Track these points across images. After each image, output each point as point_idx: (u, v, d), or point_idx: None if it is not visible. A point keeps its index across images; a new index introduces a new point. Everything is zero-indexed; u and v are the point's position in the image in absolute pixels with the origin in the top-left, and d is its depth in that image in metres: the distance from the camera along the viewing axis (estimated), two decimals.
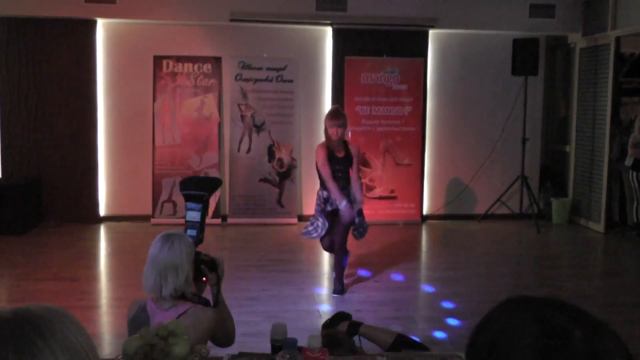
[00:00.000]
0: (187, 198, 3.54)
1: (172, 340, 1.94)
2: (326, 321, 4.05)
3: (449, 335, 5.06)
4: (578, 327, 0.94)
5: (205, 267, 3.05)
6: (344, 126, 5.96)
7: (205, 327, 2.82)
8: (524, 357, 0.93)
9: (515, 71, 9.01)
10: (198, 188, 3.60)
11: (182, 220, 3.63)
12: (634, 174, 8.30)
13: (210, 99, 8.97)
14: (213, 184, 3.82)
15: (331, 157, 5.98)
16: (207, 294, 3.09)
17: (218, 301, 3.08)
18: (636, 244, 8.26)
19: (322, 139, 9.14)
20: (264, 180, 9.06)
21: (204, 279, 3.06)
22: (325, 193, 6.01)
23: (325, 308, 5.61)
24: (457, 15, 9.03)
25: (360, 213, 6.12)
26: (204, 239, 3.44)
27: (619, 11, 8.39)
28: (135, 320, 2.85)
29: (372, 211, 9.16)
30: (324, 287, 6.30)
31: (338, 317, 4.01)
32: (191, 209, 3.51)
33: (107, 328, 5.11)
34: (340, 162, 6.01)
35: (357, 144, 9.08)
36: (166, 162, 8.91)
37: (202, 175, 8.85)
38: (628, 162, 8.39)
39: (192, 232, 3.44)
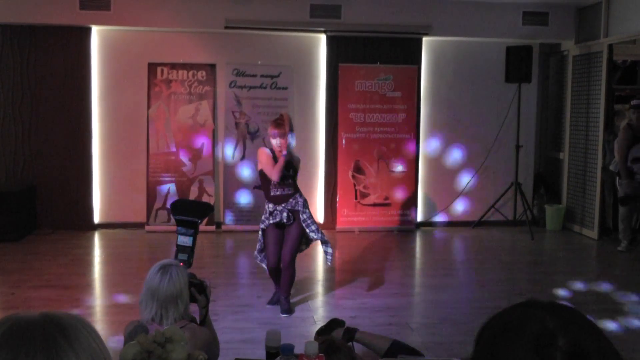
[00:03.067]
0: (180, 223, 3.63)
1: (169, 346, 1.95)
2: (320, 327, 4.06)
3: (444, 341, 5.07)
4: (564, 335, 0.97)
5: (194, 290, 3.13)
6: (286, 136, 5.51)
7: (203, 342, 2.91)
8: (517, 354, 0.97)
9: (508, 78, 9.06)
10: (190, 214, 3.69)
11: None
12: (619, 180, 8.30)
13: (205, 106, 8.98)
14: (205, 209, 3.92)
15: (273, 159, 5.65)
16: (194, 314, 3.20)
17: (205, 321, 3.18)
18: (630, 250, 8.26)
19: (316, 145, 9.21)
20: (259, 187, 9.03)
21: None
22: (270, 206, 5.61)
23: (320, 315, 5.61)
24: (450, 23, 9.06)
25: (313, 222, 5.64)
26: (193, 262, 3.55)
27: (612, 19, 8.44)
28: (134, 335, 2.87)
29: (366, 218, 9.18)
30: (318, 294, 6.31)
31: (332, 324, 4.02)
32: (183, 234, 3.60)
33: (102, 335, 5.10)
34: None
35: (351, 150, 9.11)
36: (160, 169, 8.91)
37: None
38: (614, 167, 8.39)
39: (183, 257, 3.54)
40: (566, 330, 0.97)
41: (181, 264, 3.09)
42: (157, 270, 2.95)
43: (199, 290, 3.15)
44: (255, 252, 5.79)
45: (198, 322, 3.17)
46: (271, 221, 5.57)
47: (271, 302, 5.83)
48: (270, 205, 5.61)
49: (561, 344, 0.95)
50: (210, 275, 6.71)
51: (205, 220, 8.79)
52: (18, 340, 0.96)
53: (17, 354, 0.94)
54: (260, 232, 5.72)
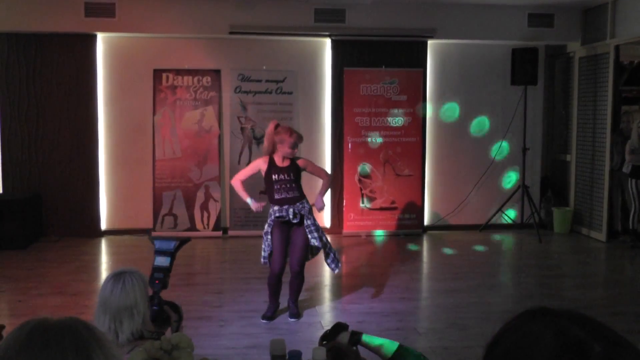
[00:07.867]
0: (157, 253, 3.53)
1: (176, 353, 1.94)
2: (325, 332, 4.02)
3: (452, 346, 5.04)
4: (598, 342, 0.92)
5: (168, 308, 3.01)
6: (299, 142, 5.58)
7: None
8: None
9: (514, 81, 9.03)
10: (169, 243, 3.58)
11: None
12: (633, 181, 8.26)
13: (210, 112, 8.98)
14: (182, 240, 3.78)
15: (272, 166, 5.56)
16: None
17: None
18: (638, 253, 8.21)
19: (322, 150, 9.19)
20: (264, 192, 9.03)
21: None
22: (276, 208, 5.53)
23: (327, 320, 5.59)
24: (455, 26, 9.05)
25: (317, 229, 5.56)
26: (168, 283, 3.40)
27: (618, 20, 8.41)
28: None
29: (373, 222, 9.16)
30: (325, 299, 6.29)
31: (337, 328, 4.00)
32: (161, 255, 3.47)
33: None
34: (283, 172, 5.55)
35: (357, 154, 9.10)
36: (167, 175, 8.91)
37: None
38: (626, 169, 8.36)
39: (158, 275, 3.36)
40: (599, 338, 0.93)
41: (157, 281, 2.83)
42: (110, 279, 2.64)
43: (173, 308, 3.01)
44: (264, 257, 5.63)
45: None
46: (277, 214, 5.48)
47: (265, 317, 5.59)
48: (276, 208, 5.53)
49: (598, 351, 0.91)
50: (216, 281, 6.71)
51: (212, 225, 8.85)
52: (48, 338, 0.98)
53: (47, 350, 0.96)
54: (265, 238, 5.61)
